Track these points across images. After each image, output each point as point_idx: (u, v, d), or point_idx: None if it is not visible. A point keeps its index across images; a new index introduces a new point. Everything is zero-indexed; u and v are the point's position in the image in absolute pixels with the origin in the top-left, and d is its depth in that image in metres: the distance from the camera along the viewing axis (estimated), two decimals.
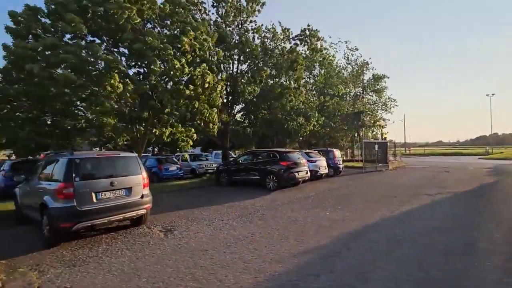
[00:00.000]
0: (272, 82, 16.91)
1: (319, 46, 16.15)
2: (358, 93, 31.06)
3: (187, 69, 9.41)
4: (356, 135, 27.07)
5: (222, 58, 12.85)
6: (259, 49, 14.74)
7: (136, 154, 6.48)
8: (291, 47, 15.36)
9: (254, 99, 16.38)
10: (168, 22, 10.99)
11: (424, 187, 11.12)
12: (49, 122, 9.79)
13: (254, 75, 14.47)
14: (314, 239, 5.11)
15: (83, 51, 8.35)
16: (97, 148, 11.86)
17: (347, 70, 30.47)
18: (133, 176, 5.90)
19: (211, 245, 4.93)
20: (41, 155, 8.92)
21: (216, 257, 4.33)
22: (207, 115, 10.81)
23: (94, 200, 5.19)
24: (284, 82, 17.06)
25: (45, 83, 8.16)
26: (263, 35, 15.67)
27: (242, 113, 18.94)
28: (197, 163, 18.07)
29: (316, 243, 4.88)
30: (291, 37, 15.39)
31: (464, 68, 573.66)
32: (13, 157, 11.20)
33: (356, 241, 4.99)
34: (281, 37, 15.77)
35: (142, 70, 10.56)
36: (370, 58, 34.41)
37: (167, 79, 9.89)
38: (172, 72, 9.09)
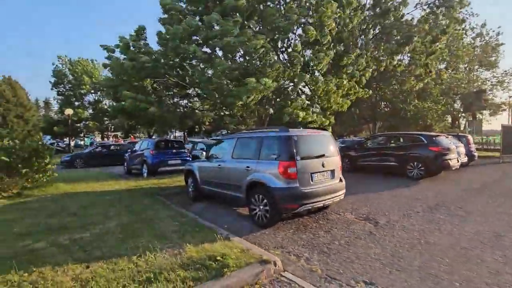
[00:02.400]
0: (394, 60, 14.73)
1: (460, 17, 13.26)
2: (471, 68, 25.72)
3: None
4: (470, 118, 22.93)
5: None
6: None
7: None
8: (423, 16, 13.01)
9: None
10: None
11: None
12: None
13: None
14: None
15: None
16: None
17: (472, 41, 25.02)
18: (336, 157, 5.37)
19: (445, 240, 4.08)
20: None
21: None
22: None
23: (311, 181, 4.79)
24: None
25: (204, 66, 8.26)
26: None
27: None
28: None
29: None
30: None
31: None
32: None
33: None
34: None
35: None
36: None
37: None
38: None
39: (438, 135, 10.23)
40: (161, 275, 2.96)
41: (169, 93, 9.98)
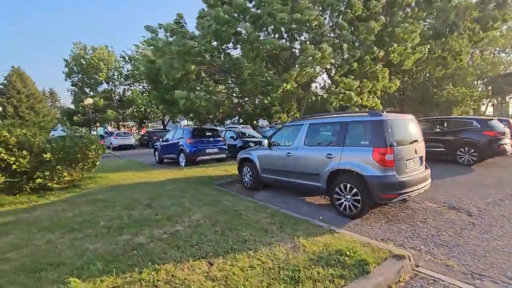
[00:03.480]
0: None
1: None
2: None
3: None
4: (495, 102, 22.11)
5: None
6: None
7: None
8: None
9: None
10: None
11: None
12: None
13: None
14: None
15: None
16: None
17: None
18: (423, 142, 5.04)
19: None
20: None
21: None
22: None
23: (406, 169, 4.49)
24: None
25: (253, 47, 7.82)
26: None
27: None
28: None
29: None
30: None
31: None
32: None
33: None
34: None
35: None
36: None
37: None
38: None
39: (491, 119, 9.77)
40: (299, 272, 2.73)
41: (211, 80, 9.58)
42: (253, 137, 14.50)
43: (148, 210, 4.80)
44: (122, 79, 29.24)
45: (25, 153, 5.64)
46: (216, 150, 11.22)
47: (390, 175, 4.27)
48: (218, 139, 11.57)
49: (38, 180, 5.81)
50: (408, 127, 4.84)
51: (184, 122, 43.14)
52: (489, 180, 7.15)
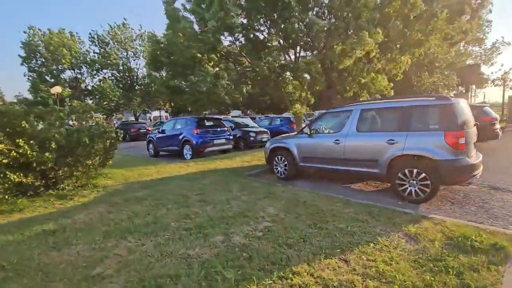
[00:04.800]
0: None
1: None
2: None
3: None
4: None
5: None
6: None
7: None
8: None
9: None
10: None
11: None
12: None
13: None
14: None
15: None
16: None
17: None
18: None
19: None
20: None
21: None
22: None
23: (471, 152, 4.58)
24: None
25: None
26: None
27: None
28: None
29: None
30: None
31: None
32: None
33: None
34: None
35: None
36: None
37: None
38: None
39: (484, 106, 10.58)
40: (445, 261, 2.60)
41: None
42: (252, 126, 14.10)
43: (209, 207, 4.33)
44: (91, 66, 26.47)
45: (53, 146, 4.72)
46: (223, 140, 10.68)
47: (462, 159, 4.32)
48: (224, 128, 11.01)
49: (65, 181, 4.93)
50: (469, 111, 4.93)
51: (156, 113, 40.89)
52: (496, 163, 7.73)
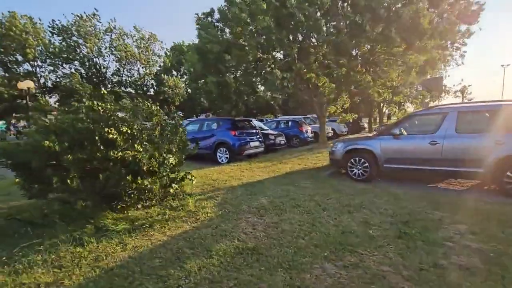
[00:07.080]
0: None
1: None
2: None
3: None
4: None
5: None
6: None
7: None
8: None
9: None
10: None
11: None
12: None
13: None
14: None
15: None
16: None
17: None
18: None
19: None
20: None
21: None
22: None
23: None
24: None
25: None
26: None
27: None
28: None
29: None
30: None
31: None
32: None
33: None
34: None
35: None
36: None
37: None
38: None
39: None
40: None
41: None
42: (264, 129, 13.80)
43: (366, 210, 4.06)
44: (55, 58, 23.10)
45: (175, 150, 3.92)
46: (257, 143, 10.25)
47: None
48: (256, 131, 10.58)
49: (174, 185, 4.13)
50: None
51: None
52: None
